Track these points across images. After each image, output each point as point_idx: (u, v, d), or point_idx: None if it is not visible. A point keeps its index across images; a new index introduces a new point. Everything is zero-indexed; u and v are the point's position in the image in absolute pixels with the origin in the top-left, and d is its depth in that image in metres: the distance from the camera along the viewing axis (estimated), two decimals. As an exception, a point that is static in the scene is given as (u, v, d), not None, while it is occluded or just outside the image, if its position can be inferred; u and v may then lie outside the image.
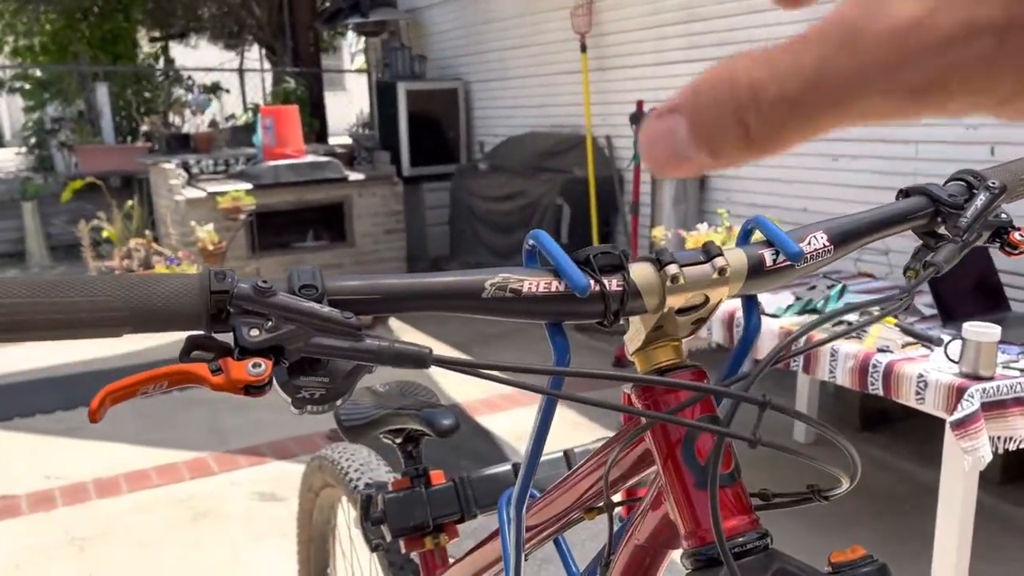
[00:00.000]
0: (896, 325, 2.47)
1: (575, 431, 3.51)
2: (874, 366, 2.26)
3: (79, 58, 8.43)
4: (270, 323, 0.42)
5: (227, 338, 0.44)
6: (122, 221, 5.79)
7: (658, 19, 4.90)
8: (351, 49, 15.35)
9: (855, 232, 0.59)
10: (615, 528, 0.60)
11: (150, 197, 6.97)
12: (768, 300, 2.79)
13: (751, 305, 0.57)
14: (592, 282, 0.50)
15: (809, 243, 0.56)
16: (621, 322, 0.53)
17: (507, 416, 3.70)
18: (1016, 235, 0.61)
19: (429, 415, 0.90)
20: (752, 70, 0.23)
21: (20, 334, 0.40)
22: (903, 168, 3.68)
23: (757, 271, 0.54)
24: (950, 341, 2.17)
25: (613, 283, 0.51)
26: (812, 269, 0.57)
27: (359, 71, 12.87)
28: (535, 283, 0.50)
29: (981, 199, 0.59)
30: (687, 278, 0.52)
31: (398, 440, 0.98)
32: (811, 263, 0.56)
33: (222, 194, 5.59)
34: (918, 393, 2.14)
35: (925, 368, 2.15)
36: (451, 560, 1.00)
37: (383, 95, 7.17)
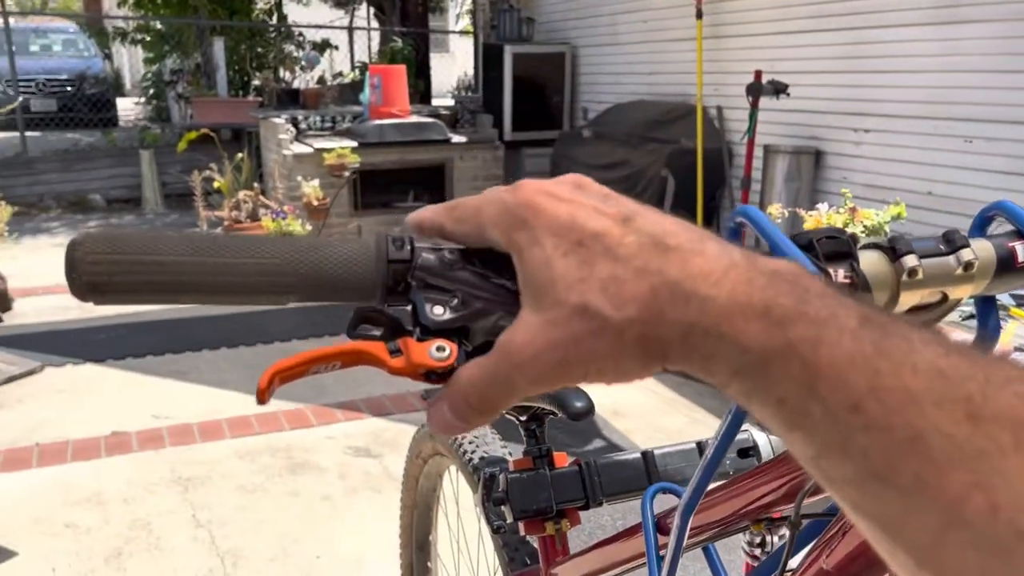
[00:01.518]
0: (1036, 323, 2.29)
1: (667, 406, 3.43)
2: (1011, 366, 2.10)
3: (198, 12, 8.65)
4: (455, 300, 0.37)
5: (398, 313, 0.39)
6: (232, 173, 5.94)
7: (783, -15, 4.67)
8: (458, 10, 15.32)
9: None
10: (787, 546, 0.53)
11: (259, 150, 7.14)
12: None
13: (989, 308, 0.49)
14: (818, 271, 0.43)
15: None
16: None
17: (602, 390, 3.64)
18: None
19: (561, 395, 0.85)
20: (468, 374, 0.36)
21: (183, 296, 0.36)
22: (1047, 153, 3.42)
23: (1006, 267, 0.46)
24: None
25: (840, 273, 0.44)
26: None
27: (464, 32, 12.84)
28: None
29: None
30: (926, 272, 0.44)
31: (522, 417, 0.94)
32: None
33: (328, 150, 5.66)
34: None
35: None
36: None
37: (488, 57, 7.11)
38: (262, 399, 0.37)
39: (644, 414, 3.39)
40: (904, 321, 0.30)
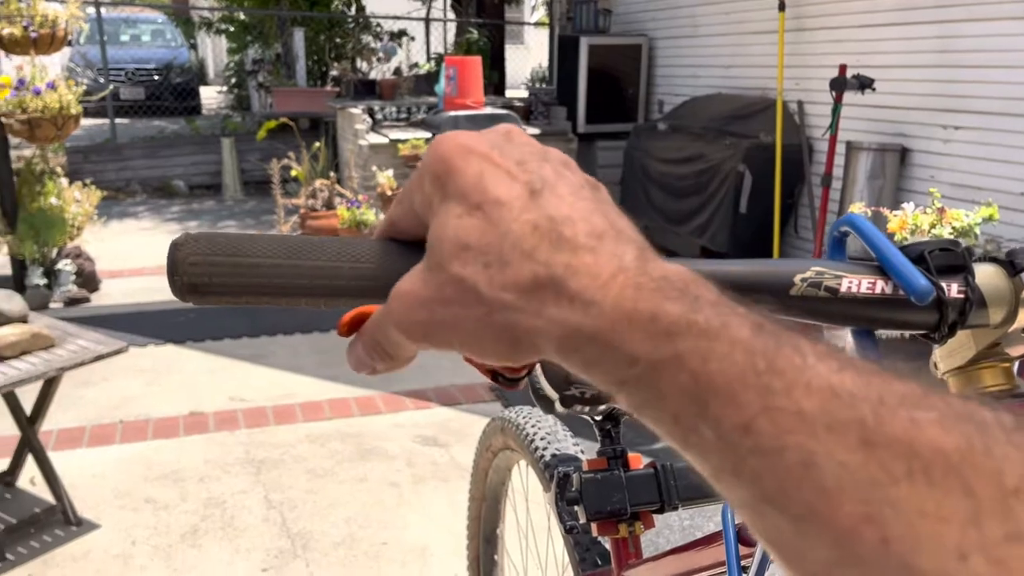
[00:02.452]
0: None
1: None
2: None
3: (280, 3, 8.84)
4: None
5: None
6: (309, 162, 6.06)
7: (871, -24, 4.52)
8: (532, 2, 15.29)
9: None
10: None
11: (335, 140, 7.26)
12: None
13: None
14: (932, 287, 0.41)
15: None
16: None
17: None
18: None
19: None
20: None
21: (279, 298, 0.36)
22: None
23: None
24: None
25: (953, 288, 0.42)
26: None
27: (539, 24, 12.81)
28: (856, 282, 0.41)
29: None
30: (1048, 289, 0.42)
31: (597, 417, 0.93)
32: None
33: (403, 141, 5.72)
34: None
35: None
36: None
37: (564, 49, 7.07)
38: (342, 332, 0.39)
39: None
40: (795, 331, 0.29)
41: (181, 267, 0.36)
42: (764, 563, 0.55)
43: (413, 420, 3.27)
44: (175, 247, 0.36)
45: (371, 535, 2.50)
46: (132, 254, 5.74)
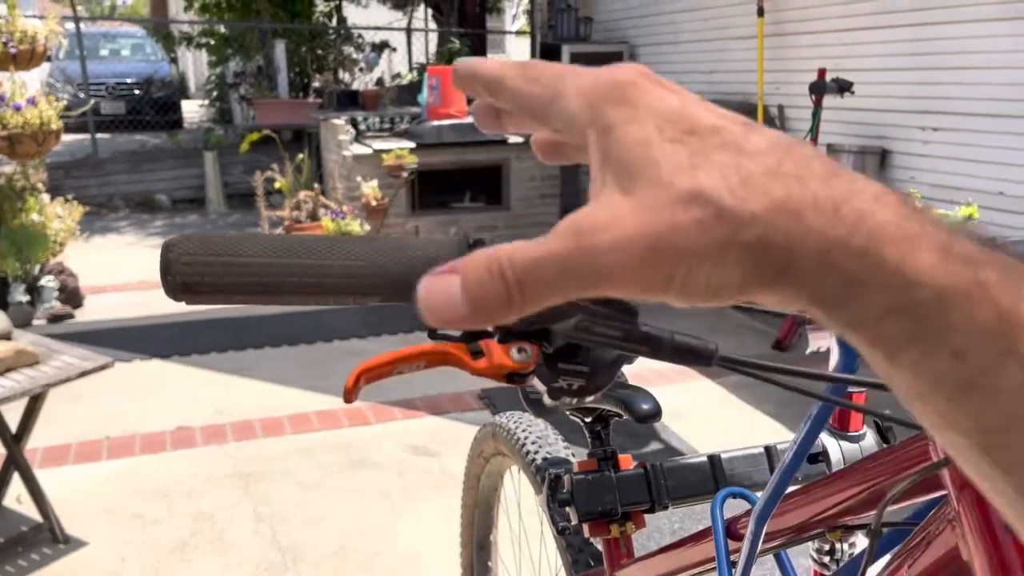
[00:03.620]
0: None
1: (741, 416, 3.38)
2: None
3: (261, 16, 8.83)
4: None
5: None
6: (293, 173, 6.05)
7: (848, -19, 4.57)
8: (514, 11, 15.35)
9: None
10: (867, 555, 0.52)
11: (319, 151, 7.25)
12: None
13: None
14: None
15: None
16: None
17: (658, 392, 3.60)
18: None
19: (628, 397, 0.84)
20: (509, 249, 0.28)
21: (270, 296, 0.37)
22: None
23: None
24: None
25: None
26: None
27: (521, 33, 12.85)
28: None
29: None
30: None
31: (587, 419, 0.93)
32: None
33: (387, 151, 5.72)
34: None
35: None
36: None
37: (546, 57, 7.10)
38: (349, 398, 0.38)
39: (701, 416, 3.35)
40: None
41: (174, 267, 0.36)
42: (751, 557, 0.55)
43: (403, 430, 3.26)
44: (168, 247, 0.37)
45: (363, 546, 2.49)
46: (115, 269, 5.70)
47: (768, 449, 0.91)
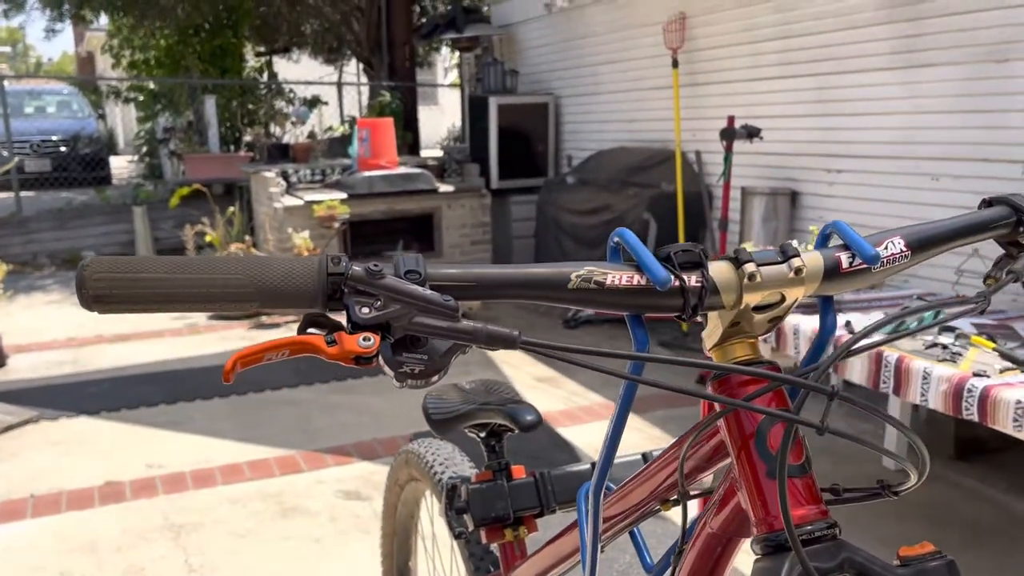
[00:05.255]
0: (995, 350, 2.39)
1: (651, 443, 3.50)
2: (969, 391, 2.19)
3: (190, 72, 8.87)
4: (379, 302, 0.47)
5: (339, 317, 0.49)
6: (224, 226, 6.06)
7: (752, 35, 4.86)
8: (445, 64, 15.65)
9: (934, 239, 0.60)
10: (690, 519, 0.62)
11: (250, 204, 7.27)
12: (858, 320, 2.73)
13: (827, 306, 0.59)
14: (672, 277, 0.53)
15: (886, 248, 0.58)
16: (699, 318, 0.55)
17: (588, 428, 3.71)
18: None
19: (512, 410, 0.94)
20: None
21: (167, 305, 0.46)
22: (1007, 188, 3.55)
23: (833, 273, 0.56)
24: (1052, 367, 2.09)
25: (692, 279, 0.54)
26: (890, 273, 0.59)
27: (452, 86, 13.11)
28: (618, 276, 0.54)
29: (1065, 210, 0.60)
30: (764, 277, 0.54)
31: (482, 434, 1.03)
32: (888, 267, 0.58)
33: (318, 203, 5.79)
34: (1016, 420, 2.06)
35: (1024, 394, 2.08)
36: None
37: (475, 109, 7.30)
38: (227, 379, 0.47)
39: (631, 446, 3.45)
40: None
41: (87, 282, 0.45)
42: (596, 528, 0.65)
43: (335, 476, 3.29)
44: (82, 267, 0.46)
45: (294, 590, 2.50)
46: (41, 328, 5.60)
47: (645, 456, 1.02)
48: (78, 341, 5.28)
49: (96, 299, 0.45)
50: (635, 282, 0.53)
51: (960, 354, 2.39)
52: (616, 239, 0.55)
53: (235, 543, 2.79)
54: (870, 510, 2.87)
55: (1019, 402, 2.06)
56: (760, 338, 0.59)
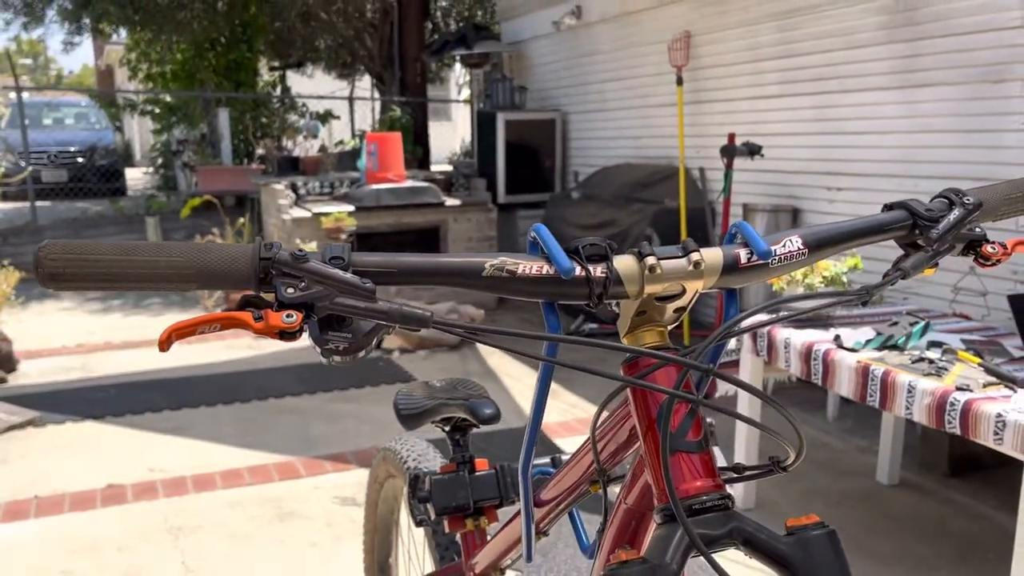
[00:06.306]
0: (980, 365, 2.42)
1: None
2: (952, 404, 2.22)
3: (205, 85, 9.01)
4: (303, 284, 0.53)
5: (272, 298, 0.54)
6: (233, 237, 6.15)
7: (755, 54, 4.92)
8: (458, 80, 15.79)
9: (831, 238, 0.65)
10: (603, 496, 0.67)
11: (260, 215, 7.37)
12: (848, 335, 2.77)
13: (730, 298, 0.64)
14: (577, 267, 0.58)
15: (784, 245, 0.63)
16: (615, 308, 0.60)
17: (568, 440, 3.74)
18: (988, 248, 0.66)
19: (473, 404, 0.99)
20: None
21: (115, 283, 0.51)
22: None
23: (732, 267, 0.61)
24: (1032, 381, 2.12)
25: (598, 270, 0.59)
26: (787, 270, 0.64)
27: (463, 101, 13.24)
28: (529, 266, 0.59)
29: (955, 214, 0.64)
30: (664, 269, 0.59)
31: (447, 428, 1.08)
32: (785, 264, 0.63)
33: (326, 215, 5.87)
34: (996, 433, 2.09)
35: (1005, 408, 2.11)
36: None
37: (483, 124, 7.38)
38: (162, 349, 0.52)
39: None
40: None
41: (43, 262, 0.51)
42: (527, 502, 0.70)
43: (333, 482, 3.34)
44: (39, 249, 0.51)
45: (287, 592, 2.55)
46: (52, 334, 5.70)
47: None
48: (87, 348, 5.36)
49: (51, 276, 0.51)
50: (543, 271, 0.59)
51: (946, 369, 2.42)
52: (532, 234, 0.61)
53: (233, 545, 2.84)
54: (864, 526, 2.89)
55: (999, 415, 2.09)
56: (667, 327, 0.64)
